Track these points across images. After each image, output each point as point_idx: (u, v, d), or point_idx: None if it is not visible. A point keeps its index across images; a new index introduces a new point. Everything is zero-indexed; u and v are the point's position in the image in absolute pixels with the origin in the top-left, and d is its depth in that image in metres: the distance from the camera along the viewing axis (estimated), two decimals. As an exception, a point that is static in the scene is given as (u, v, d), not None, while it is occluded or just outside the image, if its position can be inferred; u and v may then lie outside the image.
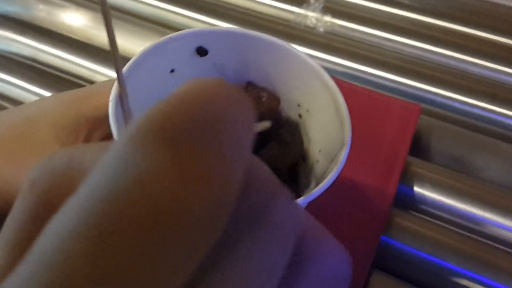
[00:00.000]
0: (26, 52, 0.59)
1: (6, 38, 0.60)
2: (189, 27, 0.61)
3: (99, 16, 0.62)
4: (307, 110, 0.35)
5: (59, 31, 0.62)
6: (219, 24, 0.61)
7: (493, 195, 0.46)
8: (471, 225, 0.45)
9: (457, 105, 0.53)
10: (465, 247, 0.43)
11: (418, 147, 0.50)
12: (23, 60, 0.59)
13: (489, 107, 0.52)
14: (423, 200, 0.46)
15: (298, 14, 0.62)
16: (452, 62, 0.58)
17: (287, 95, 0.36)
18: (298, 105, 0.35)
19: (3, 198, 0.32)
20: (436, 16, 0.61)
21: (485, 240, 0.44)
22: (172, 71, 0.34)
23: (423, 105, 0.54)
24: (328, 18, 0.61)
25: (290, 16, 0.63)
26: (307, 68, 0.33)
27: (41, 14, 0.62)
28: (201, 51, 0.34)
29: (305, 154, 0.36)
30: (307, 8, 0.62)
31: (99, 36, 0.60)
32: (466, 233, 0.45)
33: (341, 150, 0.30)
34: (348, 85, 0.52)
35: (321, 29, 0.61)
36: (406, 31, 0.60)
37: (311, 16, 0.61)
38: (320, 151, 0.34)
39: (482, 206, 0.45)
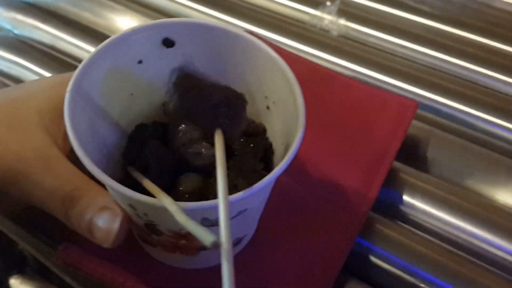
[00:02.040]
0: (47, 39, 0.62)
1: (30, 25, 0.63)
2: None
3: (121, 10, 0.63)
4: (273, 102, 0.35)
5: (81, 22, 0.64)
6: (232, 21, 0.61)
7: (489, 212, 0.44)
8: (459, 241, 0.43)
9: (463, 116, 0.51)
10: (448, 262, 0.41)
11: (415, 156, 0.49)
12: (43, 47, 0.61)
13: (496, 120, 0.50)
14: (411, 209, 0.45)
15: (314, 16, 0.62)
16: (466, 73, 0.56)
17: (255, 87, 0.36)
18: (266, 97, 0.35)
19: None
20: (455, 25, 0.59)
21: (471, 258, 0.42)
22: (140, 62, 0.35)
23: (429, 115, 0.53)
24: (342, 21, 0.60)
25: (306, 18, 0.62)
26: (269, 60, 0.33)
27: (65, 3, 0.65)
28: (168, 42, 0.34)
29: (273, 148, 0.36)
30: (322, 10, 0.61)
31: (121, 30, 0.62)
32: (452, 248, 0.43)
33: (291, 144, 0.30)
34: (345, 79, 0.51)
35: (335, 33, 0.60)
36: (421, 38, 0.58)
37: (326, 18, 0.61)
38: (282, 143, 0.34)
39: (473, 222, 0.43)
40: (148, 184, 0.31)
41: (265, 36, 0.60)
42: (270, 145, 0.36)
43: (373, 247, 0.42)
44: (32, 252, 0.43)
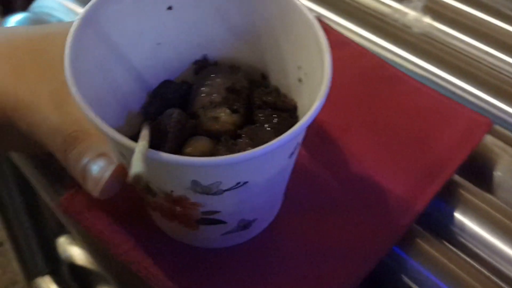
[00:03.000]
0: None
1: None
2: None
3: None
4: (305, 73, 0.30)
5: None
6: (305, 2, 0.57)
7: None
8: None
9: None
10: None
11: (482, 174, 0.43)
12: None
13: None
14: (462, 229, 0.39)
15: (397, 9, 0.56)
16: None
17: (289, 55, 0.32)
18: (298, 67, 0.31)
19: (0, 106, 0.33)
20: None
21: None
22: (169, 8, 0.32)
23: (506, 131, 0.46)
24: (427, 19, 0.55)
25: (387, 10, 0.57)
26: (306, 23, 0.29)
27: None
28: None
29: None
30: (407, 5, 0.56)
31: None
32: (500, 282, 0.37)
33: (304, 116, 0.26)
34: (414, 82, 0.46)
35: (416, 30, 0.54)
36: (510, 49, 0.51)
37: (410, 14, 0.55)
38: None
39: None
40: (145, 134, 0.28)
41: (339, 22, 0.55)
42: None
43: (408, 260, 0.37)
44: (46, 200, 0.42)
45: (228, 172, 0.26)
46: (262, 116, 0.32)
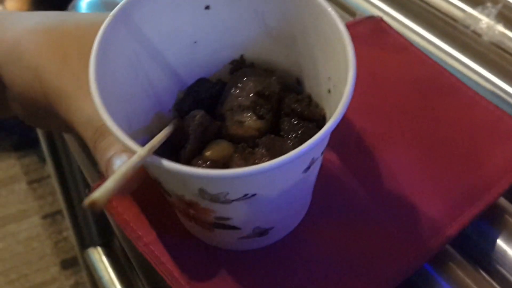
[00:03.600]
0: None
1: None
2: (352, 3, 0.57)
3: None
4: (334, 85, 0.29)
5: None
6: (383, 7, 0.55)
7: None
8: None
9: None
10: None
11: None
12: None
13: None
14: (501, 257, 0.36)
15: (470, 15, 0.53)
16: None
17: (321, 63, 0.30)
18: (329, 78, 0.30)
19: (44, 91, 0.34)
20: None
21: None
22: (207, 7, 0.32)
23: None
24: (499, 27, 0.51)
25: (459, 15, 0.54)
26: (336, 32, 0.27)
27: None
28: None
29: None
30: (481, 11, 0.52)
31: None
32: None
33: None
34: (472, 94, 0.43)
35: (487, 38, 0.51)
36: None
37: (483, 20, 0.52)
38: None
39: None
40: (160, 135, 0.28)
41: (404, 23, 0.53)
42: None
43: (438, 282, 0.36)
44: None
45: (234, 184, 0.25)
46: (287, 125, 0.31)
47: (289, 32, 0.31)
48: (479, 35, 0.51)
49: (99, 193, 0.21)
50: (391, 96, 0.43)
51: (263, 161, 0.28)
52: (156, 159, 0.24)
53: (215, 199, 0.26)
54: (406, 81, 0.44)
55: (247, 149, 0.29)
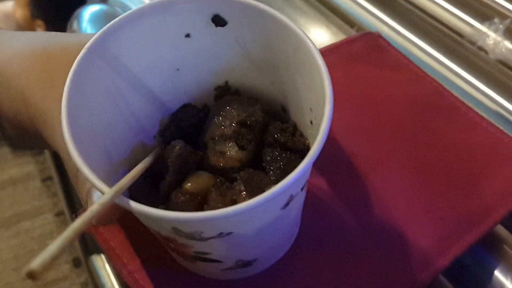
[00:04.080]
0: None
1: None
2: (355, 16, 0.55)
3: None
4: (315, 118, 0.28)
5: None
6: (378, 14, 0.54)
7: None
8: None
9: None
10: None
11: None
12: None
13: None
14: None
15: (477, 30, 0.51)
16: None
17: (303, 94, 0.29)
18: (310, 109, 0.29)
19: (29, 115, 0.34)
20: None
21: None
22: (187, 35, 0.31)
23: None
24: (507, 44, 0.49)
25: (467, 30, 0.52)
26: (316, 66, 0.26)
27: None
28: (218, 21, 0.30)
29: None
30: (488, 27, 0.51)
31: None
32: None
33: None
34: (472, 115, 0.42)
35: (493, 56, 0.49)
36: None
37: (490, 37, 0.50)
38: None
39: None
40: (138, 168, 0.28)
41: (406, 36, 0.52)
42: None
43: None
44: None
45: (207, 224, 0.25)
46: (269, 156, 0.30)
47: (272, 60, 0.31)
48: (486, 52, 0.50)
49: (39, 261, 0.19)
50: (385, 117, 0.41)
51: (241, 197, 0.27)
52: (125, 201, 0.24)
53: (190, 236, 0.26)
54: (402, 101, 0.43)
55: (225, 184, 0.28)
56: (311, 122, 0.29)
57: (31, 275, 0.19)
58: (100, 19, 0.61)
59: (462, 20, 0.53)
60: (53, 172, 0.79)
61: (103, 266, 0.77)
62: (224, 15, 0.30)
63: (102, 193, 0.24)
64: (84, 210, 0.36)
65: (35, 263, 0.19)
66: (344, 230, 0.36)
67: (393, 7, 0.55)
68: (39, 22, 0.95)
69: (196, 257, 0.29)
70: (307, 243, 0.35)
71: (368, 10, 0.55)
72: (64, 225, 1.43)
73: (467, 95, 0.47)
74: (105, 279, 0.74)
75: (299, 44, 0.27)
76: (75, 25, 0.61)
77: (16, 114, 0.34)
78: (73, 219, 0.37)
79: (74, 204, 0.78)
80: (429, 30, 0.53)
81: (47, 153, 1.53)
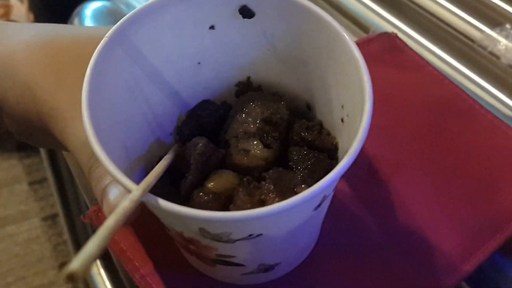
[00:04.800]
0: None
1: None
2: (366, 20, 0.55)
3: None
4: (347, 115, 0.27)
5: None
6: (390, 18, 0.53)
7: None
8: None
9: None
10: None
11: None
12: None
13: None
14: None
15: (488, 36, 0.51)
16: None
17: (334, 91, 0.28)
18: (342, 107, 0.28)
19: (37, 110, 0.32)
20: None
21: None
22: (211, 27, 0.29)
23: None
24: (519, 49, 0.49)
25: (477, 36, 0.52)
26: (352, 60, 0.25)
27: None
28: (246, 12, 0.28)
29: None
30: (499, 32, 0.50)
31: None
32: None
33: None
34: (492, 118, 0.41)
35: (505, 61, 0.49)
36: None
37: (502, 42, 0.50)
38: None
39: None
40: (161, 165, 0.26)
41: (419, 41, 0.51)
42: None
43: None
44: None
45: (238, 225, 0.23)
46: (296, 155, 0.29)
47: (300, 55, 0.29)
48: (497, 57, 0.49)
49: (79, 262, 0.17)
50: (405, 118, 0.40)
51: (270, 198, 0.26)
52: (153, 198, 0.22)
53: (217, 238, 0.24)
54: (422, 103, 0.42)
55: (252, 183, 0.27)
56: (342, 120, 0.28)
57: (72, 277, 0.17)
58: (102, 16, 0.59)
59: (473, 26, 0.53)
60: (48, 173, 0.76)
61: (97, 272, 0.75)
62: (252, 6, 0.28)
63: (129, 190, 0.22)
64: (95, 210, 0.35)
65: (76, 264, 0.17)
66: (364, 234, 0.35)
67: (404, 11, 0.54)
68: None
69: (217, 260, 0.28)
70: (327, 248, 0.34)
71: (380, 14, 0.54)
72: (51, 229, 1.40)
73: (479, 100, 0.47)
74: (100, 286, 0.72)
75: (333, 37, 0.26)
76: (76, 23, 0.59)
77: (22, 108, 0.33)
78: (82, 219, 0.35)
79: (69, 206, 0.76)
80: (441, 34, 0.53)
81: (36, 156, 1.50)
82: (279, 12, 0.28)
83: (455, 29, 0.53)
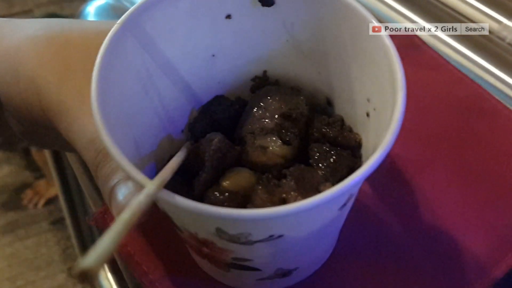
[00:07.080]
0: None
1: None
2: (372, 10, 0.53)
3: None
4: (374, 109, 0.25)
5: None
6: (403, 11, 0.52)
7: None
8: None
9: None
10: None
11: None
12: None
13: None
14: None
15: (506, 26, 0.49)
16: None
17: (358, 84, 0.27)
18: (368, 100, 0.26)
19: (42, 106, 0.30)
20: None
21: None
22: (228, 16, 0.28)
23: None
24: (541, 42, 0.47)
25: (494, 26, 0.50)
26: (382, 49, 0.23)
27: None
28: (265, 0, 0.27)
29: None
30: (519, 24, 0.48)
31: None
32: None
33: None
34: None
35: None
36: None
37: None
38: None
39: None
40: (175, 161, 0.25)
41: (437, 35, 0.49)
42: (360, 165, 0.27)
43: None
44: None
45: (258, 225, 0.21)
46: (317, 152, 0.27)
47: (322, 47, 0.28)
48: (517, 49, 0.47)
49: (92, 258, 0.16)
50: (427, 118, 0.39)
51: (292, 196, 0.24)
52: (169, 195, 0.20)
53: (234, 239, 0.22)
54: (444, 102, 0.40)
55: (272, 181, 0.25)
56: (368, 115, 0.26)
57: (85, 275, 0.15)
58: (106, 14, 0.58)
59: (489, 16, 0.51)
60: (54, 175, 0.75)
61: (105, 276, 0.73)
62: None
63: (143, 186, 0.20)
64: (100, 212, 0.33)
65: (89, 260, 0.16)
66: (386, 236, 0.33)
67: (418, 2, 0.53)
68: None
69: (232, 264, 0.26)
70: (346, 253, 0.32)
71: (395, 8, 0.53)
72: (60, 233, 1.40)
73: (500, 94, 0.45)
74: (107, 290, 0.71)
75: (360, 24, 0.24)
76: (80, 20, 0.58)
77: (26, 104, 0.31)
78: (87, 221, 0.34)
79: (74, 208, 0.74)
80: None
81: (44, 156, 1.49)
82: (300, 1, 0.26)
83: (472, 20, 0.51)
